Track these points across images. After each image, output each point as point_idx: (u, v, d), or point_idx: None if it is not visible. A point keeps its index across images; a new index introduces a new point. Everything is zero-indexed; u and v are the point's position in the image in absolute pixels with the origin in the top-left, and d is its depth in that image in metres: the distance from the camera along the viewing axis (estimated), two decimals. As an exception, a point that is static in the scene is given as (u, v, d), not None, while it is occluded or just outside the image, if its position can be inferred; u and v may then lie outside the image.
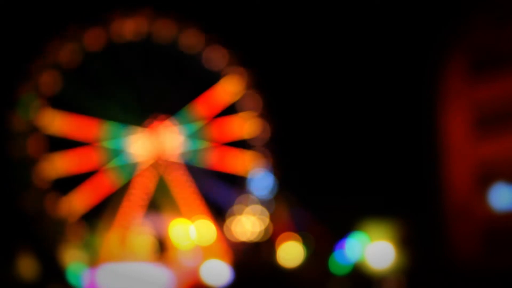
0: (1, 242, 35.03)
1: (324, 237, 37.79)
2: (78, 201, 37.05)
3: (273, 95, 38.73)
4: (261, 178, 38.84)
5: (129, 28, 38.19)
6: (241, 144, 39.00)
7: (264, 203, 38.75)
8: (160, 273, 37.04)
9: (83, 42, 37.53)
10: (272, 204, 38.74)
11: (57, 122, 37.31)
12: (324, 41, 38.44)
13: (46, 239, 36.45)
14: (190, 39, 38.64)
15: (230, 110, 39.22)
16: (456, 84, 38.17)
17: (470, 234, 36.50)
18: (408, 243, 36.04)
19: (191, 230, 38.34)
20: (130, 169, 38.26)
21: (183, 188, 38.53)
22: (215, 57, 38.83)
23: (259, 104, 39.03)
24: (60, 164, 37.13)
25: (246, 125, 38.96)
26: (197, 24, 38.50)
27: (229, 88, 38.98)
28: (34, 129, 36.74)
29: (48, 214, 36.32)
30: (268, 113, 38.96)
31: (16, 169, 36.27)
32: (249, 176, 38.65)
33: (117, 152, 38.25)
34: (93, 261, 36.86)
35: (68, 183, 37.00)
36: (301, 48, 38.76)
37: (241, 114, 39.08)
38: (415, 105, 37.15)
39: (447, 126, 38.33)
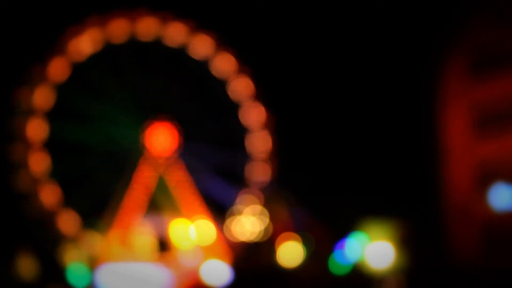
0: (1, 242, 35.03)
1: (324, 237, 37.81)
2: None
3: (274, 95, 38.80)
4: (263, 179, 38.88)
5: (139, 29, 38.35)
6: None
7: (264, 203, 38.77)
8: (160, 273, 37.05)
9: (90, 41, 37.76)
10: (272, 204, 38.75)
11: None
12: (324, 41, 38.49)
13: (46, 239, 36.45)
14: (199, 45, 38.79)
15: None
16: (456, 84, 38.21)
17: (470, 234, 36.53)
18: (408, 243, 36.04)
19: (191, 230, 38.35)
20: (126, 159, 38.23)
21: (183, 188, 38.56)
22: (222, 64, 38.95)
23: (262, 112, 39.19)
24: None
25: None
26: (207, 30, 38.62)
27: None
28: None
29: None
30: (269, 114, 39.06)
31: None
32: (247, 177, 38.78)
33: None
34: (93, 261, 36.86)
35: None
36: (301, 48, 38.82)
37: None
38: (415, 106, 37.18)
39: (447, 127, 38.37)
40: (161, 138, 38.65)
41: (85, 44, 37.58)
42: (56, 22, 36.46)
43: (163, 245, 38.08)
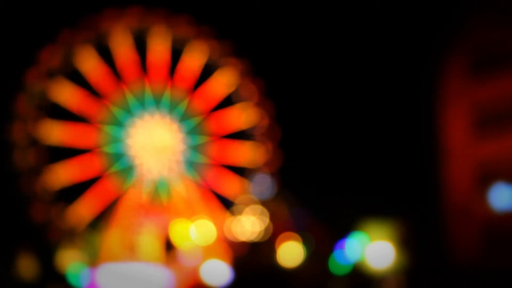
0: (1, 242, 35.03)
1: (324, 237, 37.80)
2: (84, 209, 37.02)
3: (273, 95, 38.85)
4: (261, 178, 38.87)
5: (121, 25, 38.32)
6: (240, 135, 39.12)
7: (264, 203, 38.76)
8: (160, 273, 37.05)
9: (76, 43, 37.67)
10: (272, 204, 38.74)
11: (56, 132, 37.23)
12: (324, 42, 38.49)
13: (46, 239, 36.44)
14: (182, 31, 38.77)
15: (227, 102, 39.33)
16: (456, 84, 38.20)
17: (470, 234, 36.51)
18: (408, 243, 36.04)
19: (191, 230, 38.34)
20: (132, 172, 38.28)
21: (184, 188, 38.56)
22: (208, 49, 38.95)
23: (256, 94, 39.15)
24: (63, 174, 37.10)
25: (244, 115, 39.07)
26: (187, 15, 38.61)
27: (224, 80, 39.08)
28: (34, 141, 36.69)
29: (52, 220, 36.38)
30: (269, 112, 39.07)
31: (18, 177, 36.32)
32: (250, 167, 38.78)
33: (118, 156, 38.26)
34: (93, 261, 36.86)
35: (73, 192, 37.02)
36: (301, 49, 38.84)
37: (238, 105, 39.21)
38: (415, 106, 37.17)
39: (447, 127, 38.36)
40: (161, 137, 38.69)
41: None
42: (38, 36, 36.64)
43: (163, 245, 38.07)
